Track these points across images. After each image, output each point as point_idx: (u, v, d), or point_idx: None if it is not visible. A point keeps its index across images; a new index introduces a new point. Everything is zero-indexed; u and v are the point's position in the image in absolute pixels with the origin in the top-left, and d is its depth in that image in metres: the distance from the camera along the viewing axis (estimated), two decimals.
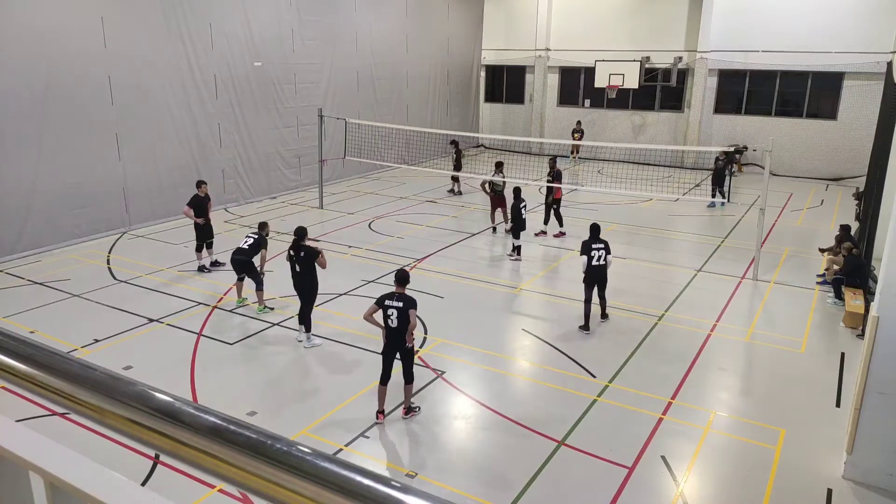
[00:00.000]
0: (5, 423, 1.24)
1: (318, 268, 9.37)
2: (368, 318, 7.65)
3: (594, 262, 10.17)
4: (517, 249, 13.68)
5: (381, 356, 7.76)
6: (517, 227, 13.50)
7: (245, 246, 10.55)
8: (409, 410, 7.90)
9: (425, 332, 10.06)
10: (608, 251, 10.32)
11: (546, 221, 15.53)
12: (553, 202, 15.21)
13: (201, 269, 12.60)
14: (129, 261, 13.10)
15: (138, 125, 14.98)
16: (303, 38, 18.99)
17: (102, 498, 1.06)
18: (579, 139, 24.96)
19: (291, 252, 9.37)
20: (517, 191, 13.60)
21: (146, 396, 1.03)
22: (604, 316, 10.70)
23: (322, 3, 19.60)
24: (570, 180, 22.91)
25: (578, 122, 26.34)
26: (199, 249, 12.51)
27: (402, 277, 7.80)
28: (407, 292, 7.67)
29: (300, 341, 9.64)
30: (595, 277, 10.27)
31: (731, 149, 18.34)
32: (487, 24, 28.53)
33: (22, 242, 13.06)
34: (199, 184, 12.48)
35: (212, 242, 12.60)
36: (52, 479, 1.10)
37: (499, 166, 15.89)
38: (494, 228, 15.80)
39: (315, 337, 9.64)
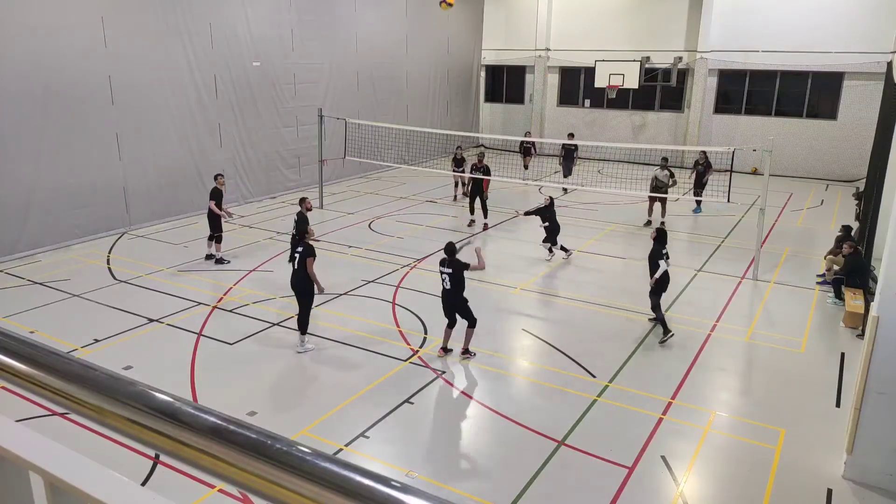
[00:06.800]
0: (5, 423, 1.24)
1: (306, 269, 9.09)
2: None
3: (665, 267, 10.04)
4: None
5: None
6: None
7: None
8: (467, 352, 9.03)
9: (425, 332, 10.06)
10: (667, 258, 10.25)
11: (485, 215, 16.06)
12: (480, 193, 15.96)
13: (209, 257, 13.09)
14: (129, 261, 13.10)
15: (138, 125, 14.97)
16: (302, 38, 18.97)
17: (102, 498, 1.06)
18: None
19: (292, 248, 9.44)
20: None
21: (146, 396, 1.03)
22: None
23: (322, 3, 19.60)
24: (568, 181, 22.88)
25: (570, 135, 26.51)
26: (211, 239, 13.02)
27: (449, 249, 9.00)
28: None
29: (300, 352, 9.33)
30: (665, 283, 10.17)
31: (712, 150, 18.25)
32: (487, 24, 28.51)
33: (22, 242, 13.05)
34: (218, 176, 13.12)
35: (220, 237, 12.90)
36: (52, 479, 1.10)
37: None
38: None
39: (308, 342, 9.38)
